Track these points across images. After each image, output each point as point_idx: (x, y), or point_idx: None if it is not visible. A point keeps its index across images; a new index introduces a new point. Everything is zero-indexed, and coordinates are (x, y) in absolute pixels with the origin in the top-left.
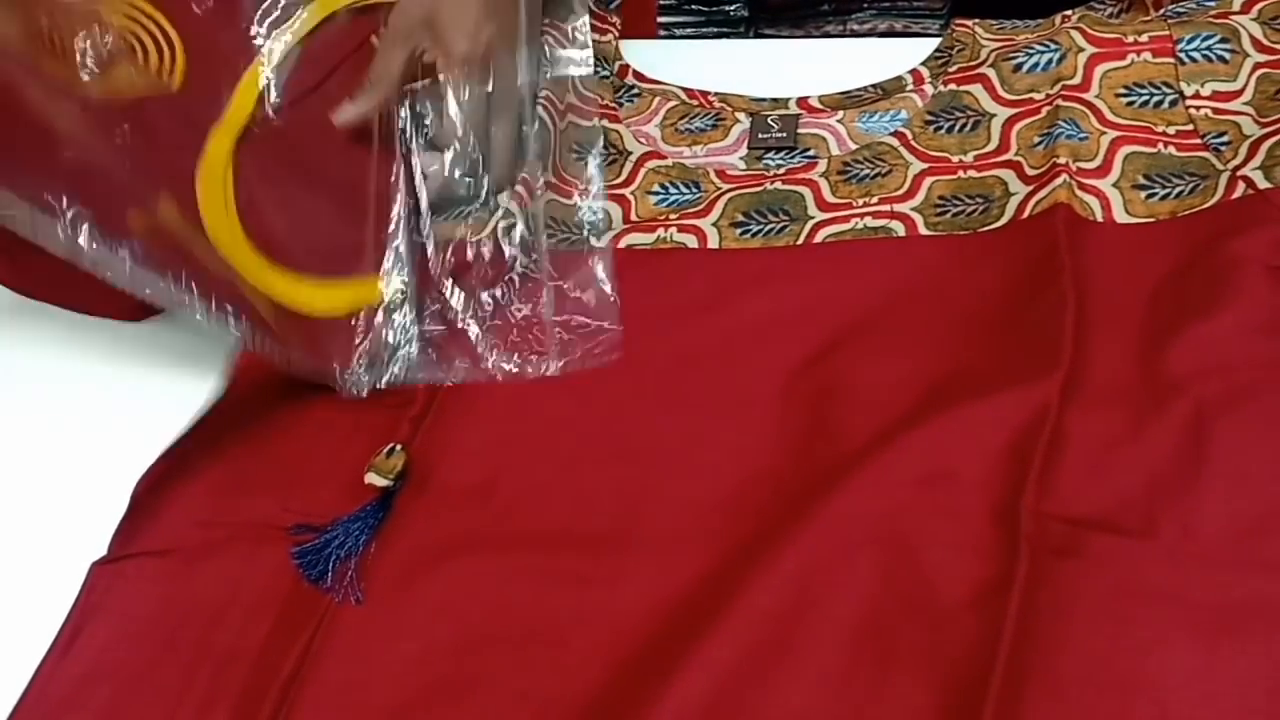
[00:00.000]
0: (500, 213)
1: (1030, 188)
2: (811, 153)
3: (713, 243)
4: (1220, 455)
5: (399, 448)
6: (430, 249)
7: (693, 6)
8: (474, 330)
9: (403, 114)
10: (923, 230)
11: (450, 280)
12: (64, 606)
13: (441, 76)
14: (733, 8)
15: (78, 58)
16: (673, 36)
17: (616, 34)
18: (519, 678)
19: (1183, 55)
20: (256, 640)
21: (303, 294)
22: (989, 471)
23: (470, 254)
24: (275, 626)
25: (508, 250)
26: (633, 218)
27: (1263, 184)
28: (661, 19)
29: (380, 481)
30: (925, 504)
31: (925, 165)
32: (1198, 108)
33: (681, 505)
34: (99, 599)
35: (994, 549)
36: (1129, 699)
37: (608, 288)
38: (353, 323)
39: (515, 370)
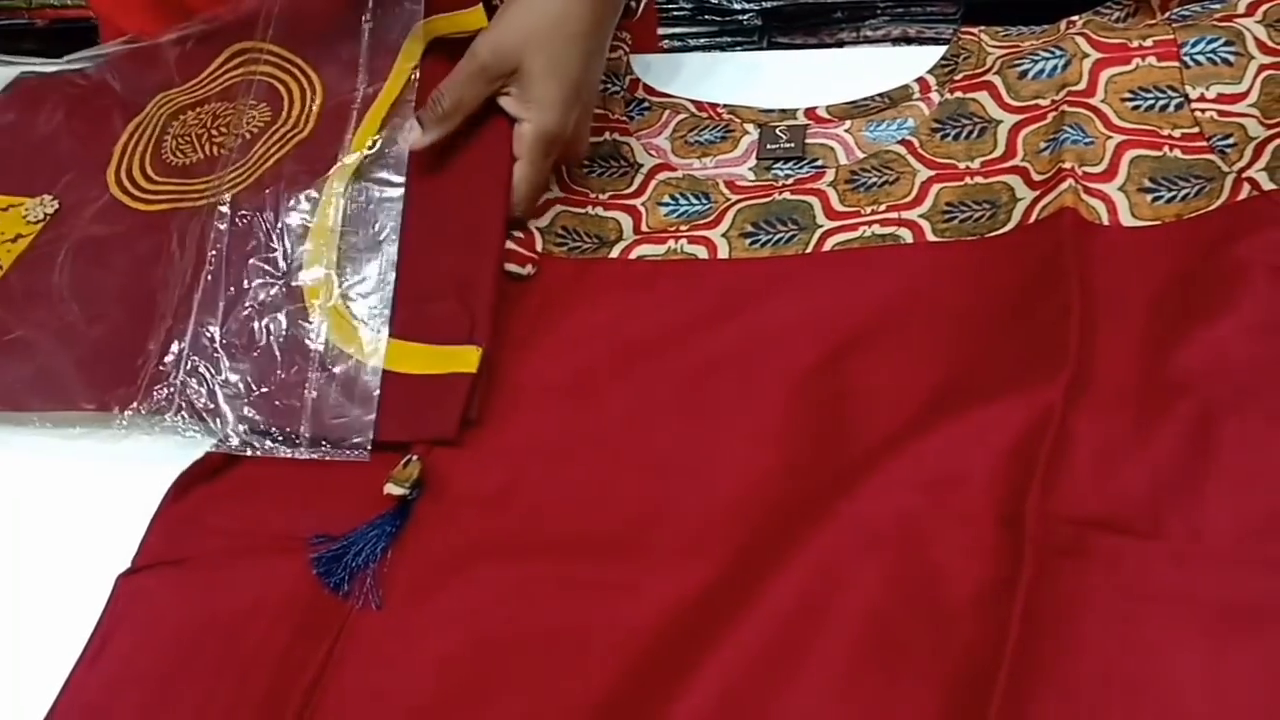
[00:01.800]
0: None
1: (1036, 193)
2: (819, 162)
3: (723, 253)
4: (1226, 455)
5: (415, 458)
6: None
7: (706, 16)
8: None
9: None
10: (930, 237)
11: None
12: (92, 617)
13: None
14: (746, 17)
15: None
16: (687, 47)
17: (627, 49)
18: (536, 683)
19: (1187, 59)
20: (278, 647)
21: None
22: (994, 475)
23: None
24: (296, 634)
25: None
26: (644, 229)
27: (1268, 185)
28: (676, 29)
29: (398, 491)
30: (932, 507)
31: (932, 172)
32: (1203, 110)
33: (695, 512)
34: (124, 608)
35: (1000, 550)
36: (1137, 699)
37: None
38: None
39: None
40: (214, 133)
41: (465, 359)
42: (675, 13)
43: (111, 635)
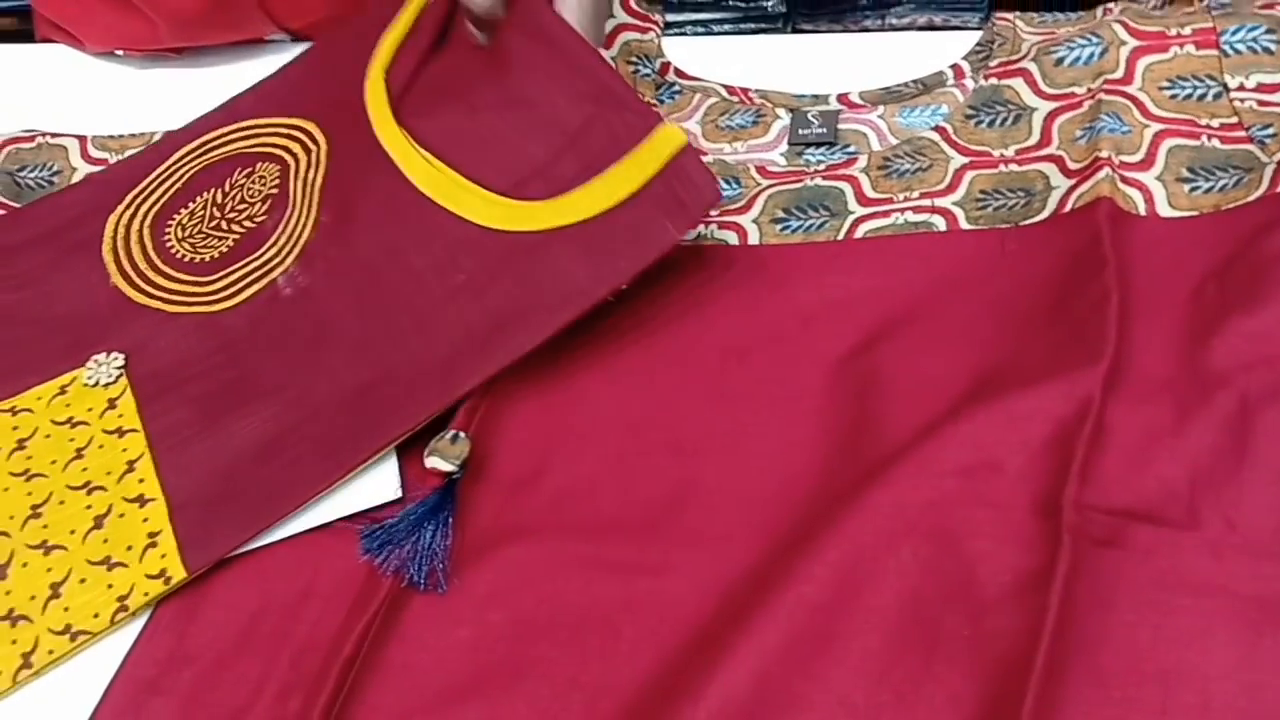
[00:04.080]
0: None
1: (1072, 181)
2: (852, 148)
3: (753, 239)
4: (1264, 447)
5: (463, 435)
6: None
7: (730, 2)
8: None
9: None
10: (964, 224)
11: None
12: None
13: None
14: (770, 3)
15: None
16: (710, 33)
17: (659, 32)
18: (569, 665)
19: (1227, 48)
20: (330, 630)
21: (607, 190)
22: (1031, 463)
23: None
24: (347, 615)
25: None
26: None
27: None
28: (699, 15)
29: (445, 467)
30: (968, 495)
31: (966, 160)
32: (1242, 100)
33: (729, 497)
34: (181, 593)
35: (1036, 539)
36: (1171, 689)
37: None
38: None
39: None
40: (230, 214)
41: (667, 141)
42: (699, 2)
43: (167, 616)
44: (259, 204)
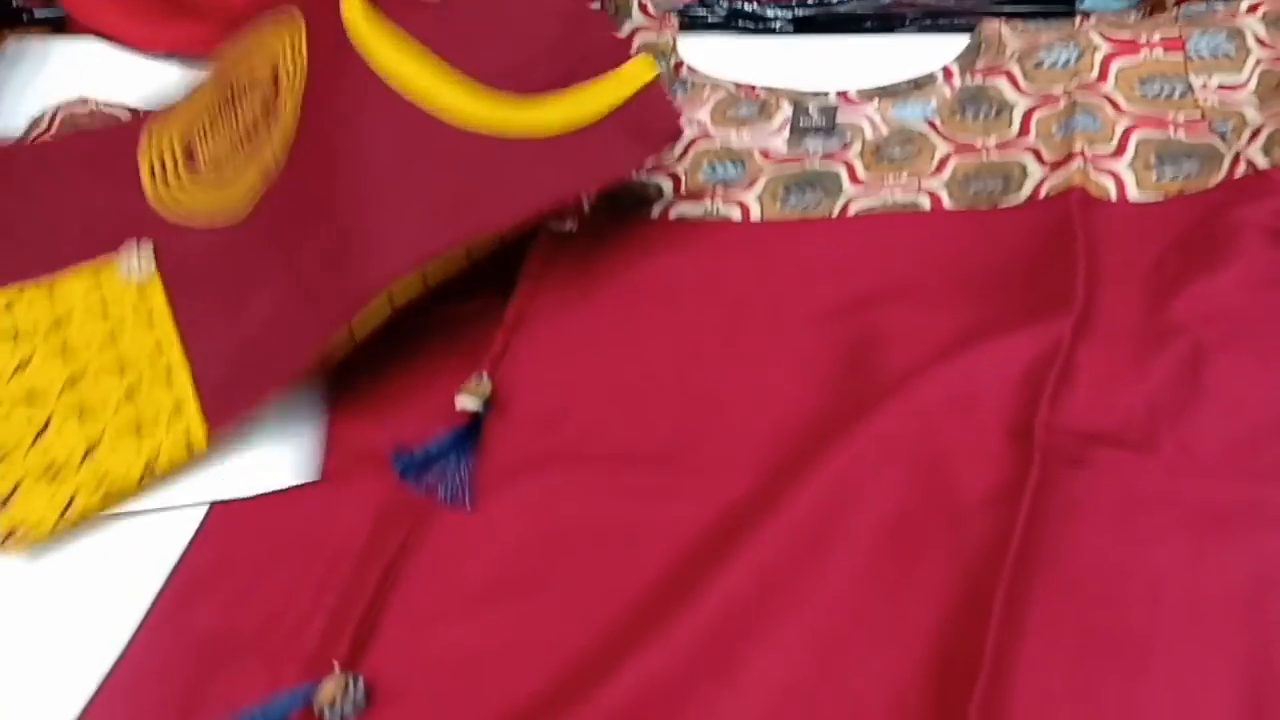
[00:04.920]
0: None
1: (1047, 170)
2: (848, 137)
3: (755, 214)
4: (1216, 384)
5: (485, 376)
6: None
7: (740, 23)
8: None
9: None
10: (947, 205)
11: None
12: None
13: None
14: (778, 24)
15: None
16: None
17: (674, 32)
18: (587, 574)
19: (1192, 53)
20: (361, 542)
21: (581, 103)
22: (1006, 395)
23: None
24: (378, 529)
25: None
26: (682, 191)
27: (1262, 163)
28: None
29: (472, 405)
30: (949, 424)
31: (951, 148)
32: (1205, 98)
33: (733, 433)
34: (215, 524)
35: (1010, 459)
36: (1126, 587)
37: None
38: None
39: None
40: (243, 123)
41: (638, 71)
42: (709, 20)
43: (206, 534)
44: (259, 107)
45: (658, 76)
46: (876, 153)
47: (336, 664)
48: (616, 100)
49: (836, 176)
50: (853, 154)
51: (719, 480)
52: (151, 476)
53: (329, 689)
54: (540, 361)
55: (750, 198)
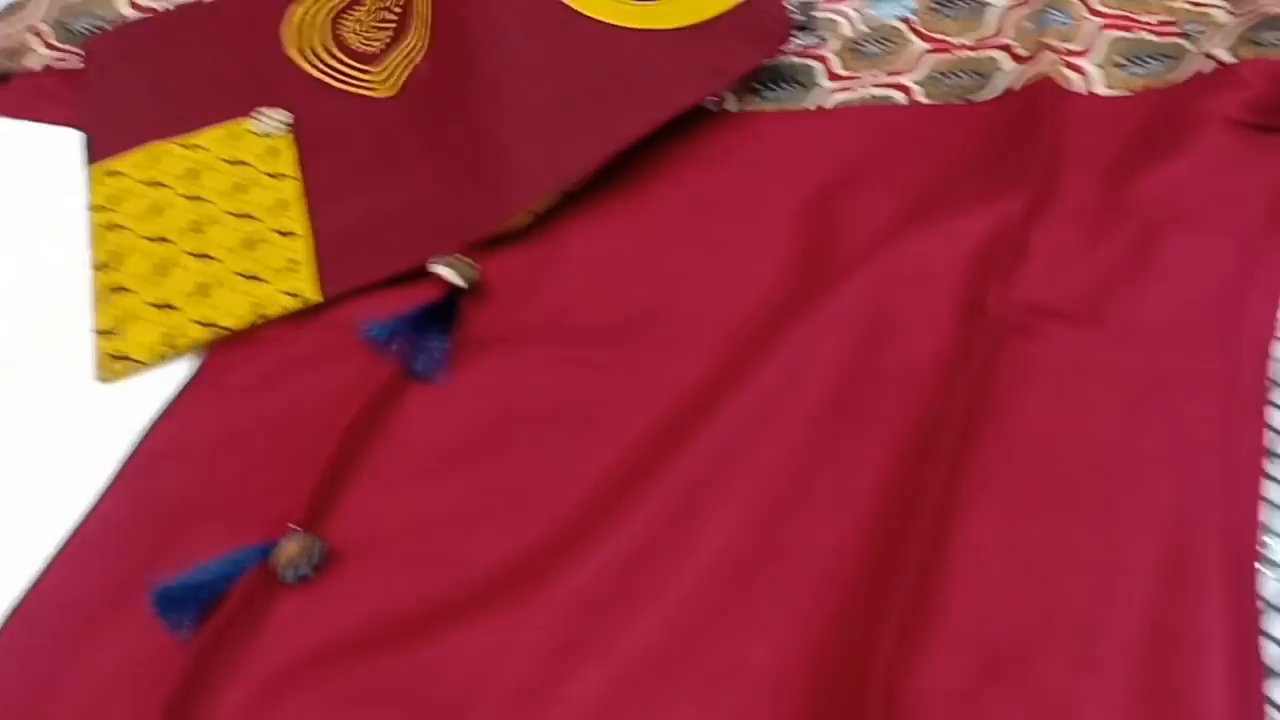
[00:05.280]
0: None
1: (1020, 66)
2: (825, 34)
3: (731, 106)
4: (1163, 261)
5: (474, 262)
6: None
7: None
8: None
9: None
10: (921, 99)
11: None
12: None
13: None
14: None
15: None
16: None
17: None
18: (550, 440)
19: None
20: (331, 408)
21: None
22: (961, 270)
23: None
24: (348, 394)
25: None
26: None
27: (1228, 59)
28: None
29: (455, 279)
30: (904, 296)
31: (928, 46)
32: (1178, 1)
33: (698, 313)
34: (193, 388)
35: (960, 327)
36: (1064, 448)
37: None
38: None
39: None
40: (392, 6)
41: None
42: None
43: (179, 402)
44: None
45: None
46: (854, 50)
47: (295, 525)
48: (729, 3)
49: (812, 71)
50: (830, 49)
51: (682, 356)
52: (259, 319)
53: (290, 548)
54: (509, 242)
55: (726, 90)
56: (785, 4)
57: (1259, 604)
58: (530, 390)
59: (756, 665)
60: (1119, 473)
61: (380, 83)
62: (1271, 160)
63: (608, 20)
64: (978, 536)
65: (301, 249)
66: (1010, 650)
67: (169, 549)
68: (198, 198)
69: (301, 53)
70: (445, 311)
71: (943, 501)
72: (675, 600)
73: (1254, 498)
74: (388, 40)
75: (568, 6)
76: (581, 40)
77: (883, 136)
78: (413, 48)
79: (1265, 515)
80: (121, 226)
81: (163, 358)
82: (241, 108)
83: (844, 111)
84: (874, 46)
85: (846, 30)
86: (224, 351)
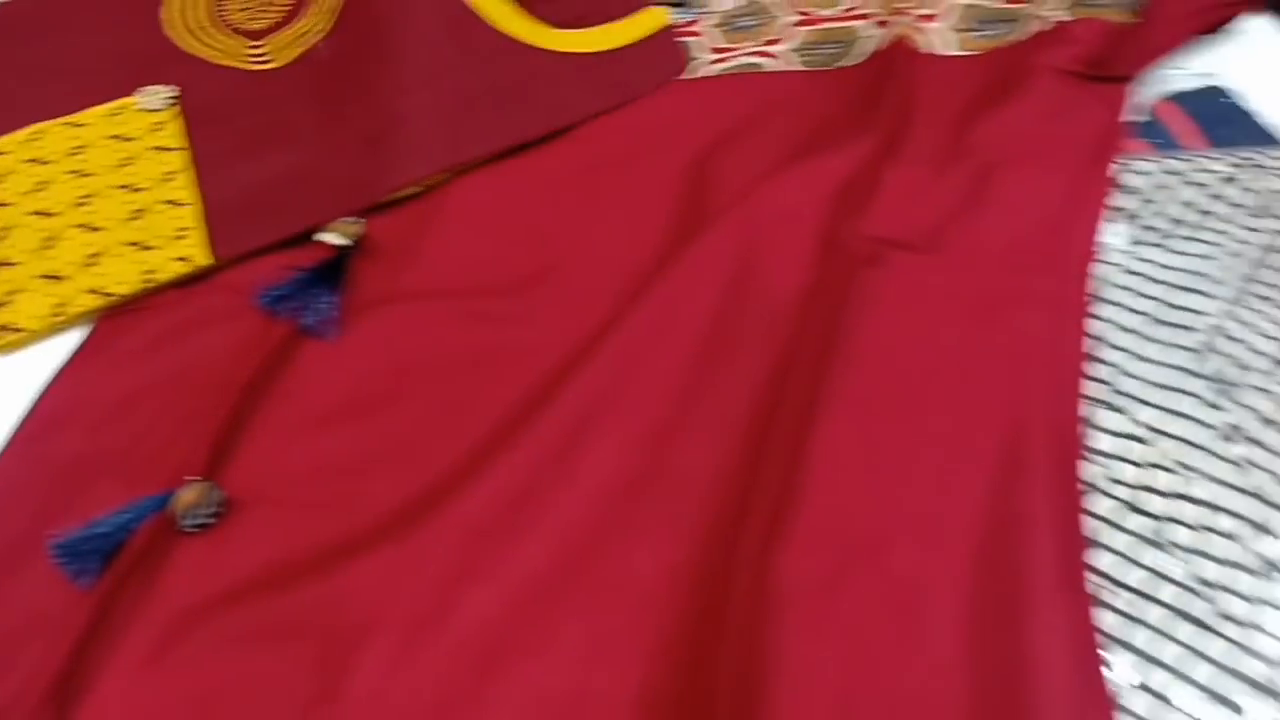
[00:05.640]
0: None
1: (880, 31)
2: (705, 10)
3: None
4: (1000, 193)
5: (358, 220)
6: None
7: None
8: None
9: None
10: (791, 67)
11: None
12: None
13: None
14: None
15: None
16: None
17: None
18: (440, 393)
19: None
20: (226, 367)
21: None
22: (819, 210)
23: None
24: (242, 354)
25: None
26: None
27: (1065, 18)
28: None
29: (338, 241)
30: (769, 235)
31: (798, 18)
32: None
33: (585, 267)
34: (85, 352)
35: (818, 262)
36: (911, 362)
37: None
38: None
39: None
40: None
41: (655, 17)
42: None
43: (69, 373)
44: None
45: (670, 24)
46: (729, 24)
47: (192, 477)
48: (636, 36)
49: (692, 47)
50: (708, 24)
51: (566, 307)
52: (150, 285)
53: (187, 496)
54: (405, 204)
55: None
56: (678, 45)
57: (1081, 486)
58: (421, 342)
59: (640, 578)
60: (959, 379)
61: (266, 57)
62: (1097, 106)
63: (519, 37)
64: (834, 443)
65: (190, 216)
66: (865, 541)
67: (67, 506)
68: (83, 173)
69: (183, 30)
70: (334, 271)
71: (803, 415)
72: (562, 523)
73: (1077, 396)
74: (279, 19)
75: (483, 19)
76: (492, 48)
77: (757, 100)
78: (309, 29)
79: (1086, 411)
80: (5, 204)
81: (53, 327)
82: (124, 87)
83: (721, 79)
84: (748, 20)
85: (725, 4)
86: (115, 318)
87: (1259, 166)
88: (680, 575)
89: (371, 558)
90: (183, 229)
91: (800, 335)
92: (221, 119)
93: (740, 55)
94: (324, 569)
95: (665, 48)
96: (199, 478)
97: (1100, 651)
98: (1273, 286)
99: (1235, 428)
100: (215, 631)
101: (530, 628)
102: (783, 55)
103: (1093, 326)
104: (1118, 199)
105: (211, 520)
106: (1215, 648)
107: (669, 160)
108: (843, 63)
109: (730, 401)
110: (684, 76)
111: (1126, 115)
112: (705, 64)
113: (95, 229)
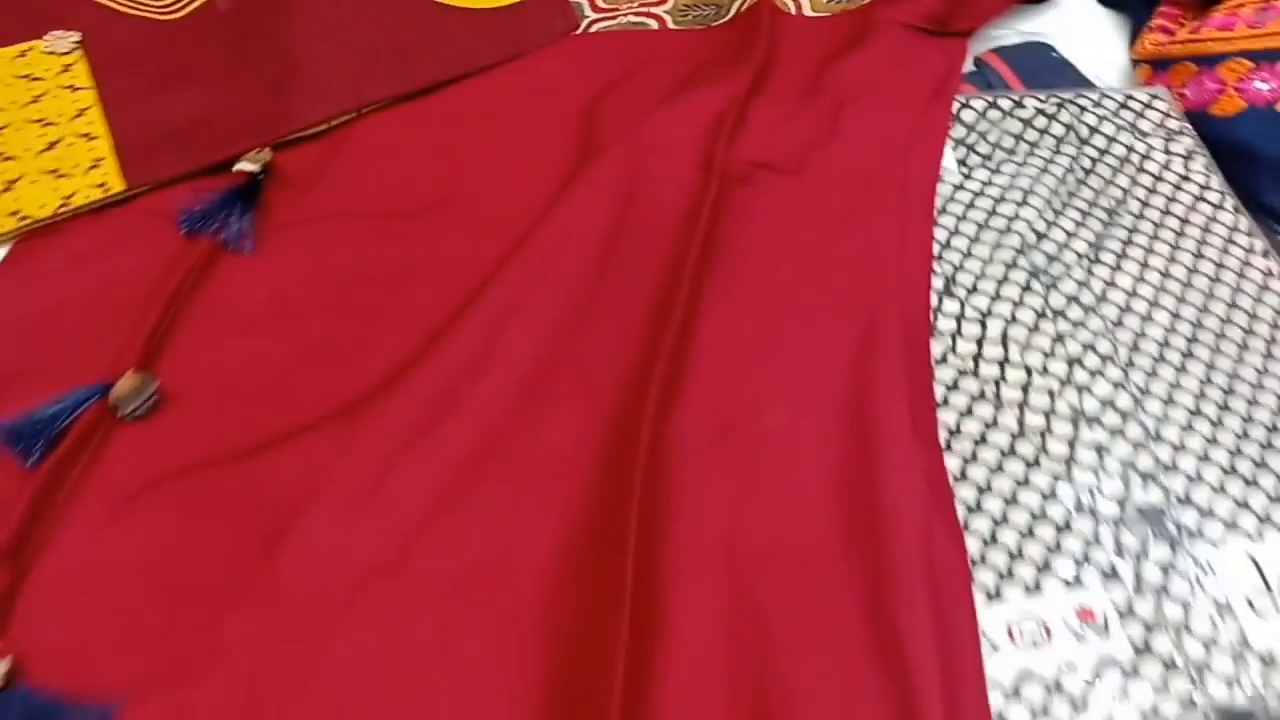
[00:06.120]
0: None
1: None
2: None
3: None
4: (849, 125)
5: (266, 149)
6: None
7: None
8: None
9: None
10: (670, 25)
11: None
12: None
13: None
14: None
15: None
16: None
17: None
18: (363, 302)
19: None
20: (150, 283)
21: None
22: (697, 140)
23: None
24: (165, 271)
25: None
26: None
27: None
28: None
29: (250, 167)
30: (655, 161)
31: None
32: None
33: (489, 194)
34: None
35: (696, 183)
36: (778, 262)
37: None
38: None
39: None
40: None
41: None
42: None
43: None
44: None
45: None
46: None
47: (131, 368)
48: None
49: (581, 6)
50: None
51: (477, 227)
52: (67, 209)
53: (125, 385)
54: (314, 139)
55: None
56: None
57: (930, 360)
58: (336, 257)
59: (555, 445)
60: (822, 276)
61: (170, 7)
62: (937, 56)
63: None
64: (717, 329)
65: (104, 148)
66: (745, 406)
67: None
68: None
69: None
70: (248, 194)
71: (690, 307)
72: (483, 405)
73: (922, 288)
74: None
75: None
76: (391, 2)
77: (642, 52)
78: None
79: (931, 299)
80: None
81: None
82: (29, 31)
83: (606, 35)
84: None
85: None
86: (33, 240)
87: (1071, 104)
88: (590, 440)
89: (304, 443)
90: (98, 159)
91: (685, 242)
92: (128, 62)
93: (625, 14)
94: (259, 452)
95: (558, 5)
96: (135, 370)
97: (947, 486)
98: (1080, 197)
99: (1052, 309)
100: (158, 503)
101: (456, 494)
102: (663, 15)
103: (937, 234)
104: (954, 130)
105: (149, 409)
106: (1040, 478)
107: (564, 102)
108: (716, 22)
109: (626, 299)
110: (576, 33)
111: (962, 64)
112: (591, 22)
113: (10, 158)
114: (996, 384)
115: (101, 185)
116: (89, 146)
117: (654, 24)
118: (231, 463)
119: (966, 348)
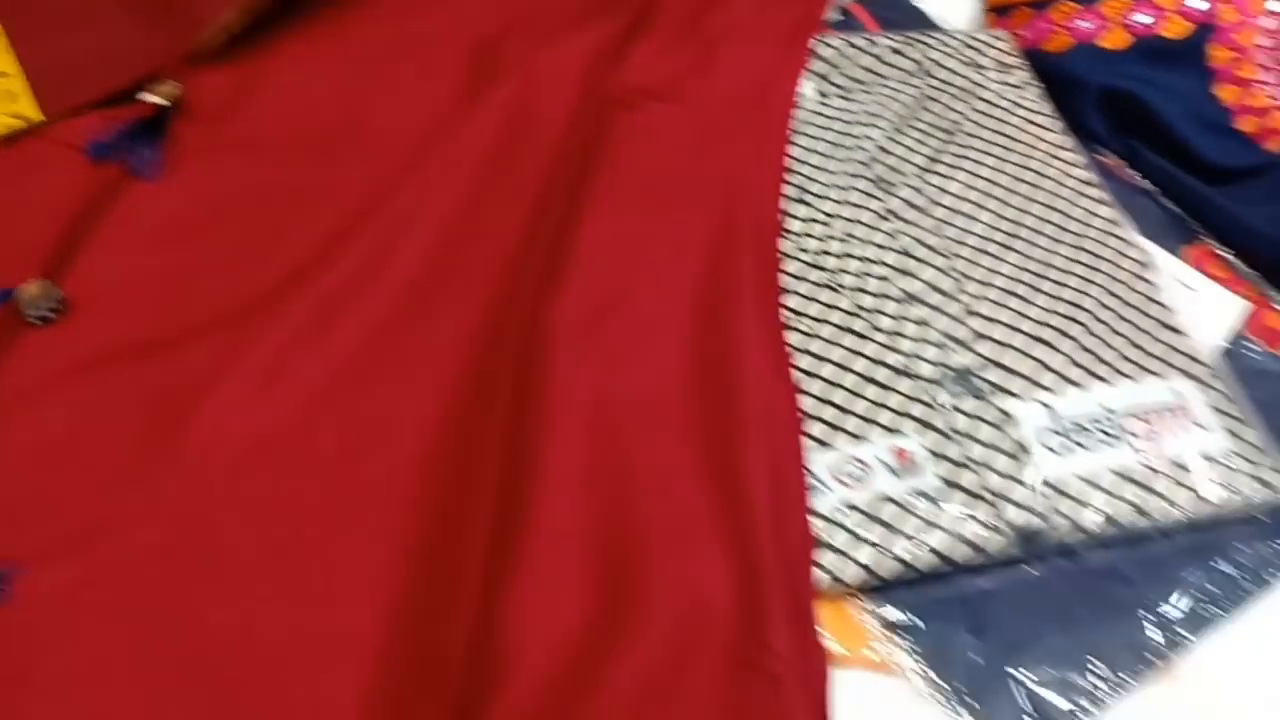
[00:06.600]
0: None
1: None
2: None
3: None
4: (721, 60)
5: (174, 82)
6: None
7: None
8: None
9: None
10: None
11: None
12: None
13: None
14: None
15: None
16: None
17: None
18: (264, 219)
19: None
20: (58, 211)
21: None
22: (583, 68)
23: None
24: (74, 195)
25: None
26: None
27: None
28: None
29: (158, 100)
30: (543, 88)
31: None
32: None
33: (386, 123)
34: None
35: (581, 106)
36: (652, 175)
37: None
38: None
39: None
40: None
41: None
42: None
43: None
44: None
45: None
46: None
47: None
48: None
49: None
50: None
51: (376, 154)
52: None
53: (31, 289)
54: (214, 70)
55: None
56: None
57: (778, 256)
58: (240, 181)
59: (442, 336)
60: (689, 185)
61: None
62: (801, 2)
63: None
64: (594, 229)
65: (16, 85)
66: (616, 293)
67: None
68: None
69: None
70: (155, 125)
71: (570, 212)
72: (375, 306)
73: (776, 195)
74: None
75: None
76: None
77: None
78: None
79: (783, 205)
80: None
81: None
82: None
83: None
84: None
85: None
86: None
87: (920, 41)
88: (475, 332)
89: (205, 343)
90: (10, 93)
91: (568, 157)
92: (31, 6)
93: None
94: (162, 352)
95: None
96: (40, 278)
97: (785, 354)
98: (922, 120)
99: (890, 211)
100: (60, 396)
101: (346, 378)
102: None
103: (790, 150)
104: (815, 64)
105: (54, 314)
106: (869, 348)
107: (459, 40)
108: None
109: (512, 207)
110: None
111: (822, 10)
112: None
113: None
114: (837, 274)
115: (19, 115)
116: (2, 83)
117: None
118: (133, 359)
119: (814, 244)
